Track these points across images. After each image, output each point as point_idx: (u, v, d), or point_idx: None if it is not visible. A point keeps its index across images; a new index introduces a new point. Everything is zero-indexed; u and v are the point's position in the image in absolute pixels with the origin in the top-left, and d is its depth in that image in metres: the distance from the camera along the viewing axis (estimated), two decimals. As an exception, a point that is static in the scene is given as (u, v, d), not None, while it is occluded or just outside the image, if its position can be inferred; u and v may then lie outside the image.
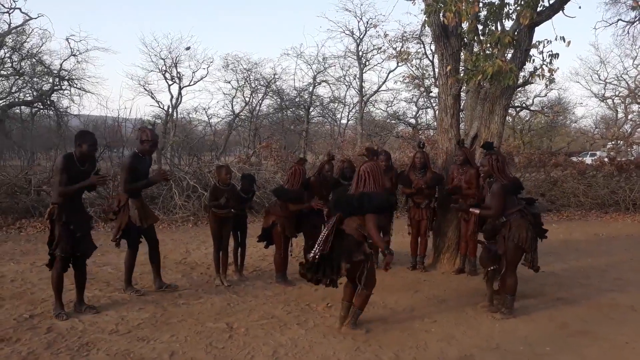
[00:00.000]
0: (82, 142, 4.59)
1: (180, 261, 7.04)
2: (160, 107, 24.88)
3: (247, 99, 25.20)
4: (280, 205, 5.84)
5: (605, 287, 6.08)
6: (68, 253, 4.58)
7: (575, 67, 39.54)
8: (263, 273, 6.46)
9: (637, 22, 17.59)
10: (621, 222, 11.91)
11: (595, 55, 48.11)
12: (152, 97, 25.18)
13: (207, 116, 25.56)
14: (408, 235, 6.86)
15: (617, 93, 27.90)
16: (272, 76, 24.66)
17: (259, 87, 25.03)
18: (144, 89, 24.81)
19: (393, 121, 26.75)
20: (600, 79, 28.26)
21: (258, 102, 25.55)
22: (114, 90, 60.29)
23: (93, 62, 34.01)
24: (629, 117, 27.62)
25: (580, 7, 6.41)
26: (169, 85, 24.59)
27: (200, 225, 9.93)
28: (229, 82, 24.91)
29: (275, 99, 26.11)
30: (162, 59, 24.06)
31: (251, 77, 24.76)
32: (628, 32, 18.22)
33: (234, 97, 25.18)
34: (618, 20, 17.72)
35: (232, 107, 25.29)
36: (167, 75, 24.36)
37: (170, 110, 24.11)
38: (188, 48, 24.12)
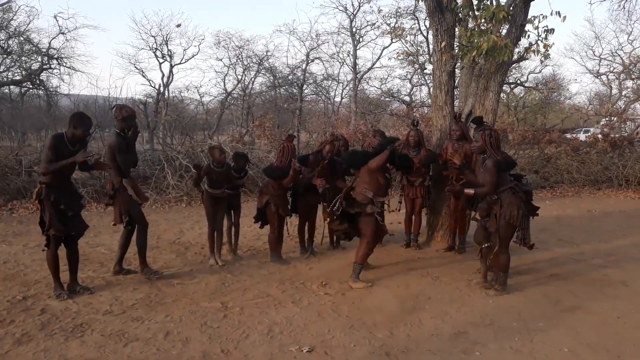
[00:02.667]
0: (78, 126, 4.51)
1: (174, 241, 7.02)
2: (151, 85, 24.55)
3: (239, 77, 24.88)
4: (273, 184, 5.80)
5: (598, 263, 6.13)
6: (62, 232, 4.54)
7: (570, 43, 39.43)
8: (258, 252, 6.46)
9: (633, -3, 17.42)
10: (614, 198, 11.98)
11: (590, 30, 48.12)
12: (143, 76, 24.78)
13: (199, 95, 25.28)
14: (397, 211, 6.84)
15: (611, 69, 27.81)
16: (265, 53, 24.34)
17: (251, 64, 24.70)
18: (135, 67, 24.43)
19: (387, 99, 26.56)
20: (595, 55, 28.13)
21: (250, 80, 25.25)
22: (104, 69, 59.57)
23: (82, 40, 33.35)
24: (623, 93, 27.58)
25: (576, -19, 6.31)
26: (160, 64, 24.22)
27: (194, 205, 9.89)
28: (221, 60, 24.56)
29: (268, 77, 25.79)
30: (152, 36, 23.65)
31: (243, 54, 24.42)
32: (623, 7, 17.95)
33: (226, 75, 24.86)
34: (614, -6, 17.55)
35: (225, 86, 25.00)
36: (158, 53, 23.97)
37: (161, 88, 23.79)
38: (179, 25, 23.79)
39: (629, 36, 28.15)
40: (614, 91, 28.69)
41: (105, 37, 63.15)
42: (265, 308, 4.49)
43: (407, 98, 26.30)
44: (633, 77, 25.47)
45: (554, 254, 6.52)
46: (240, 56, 24.35)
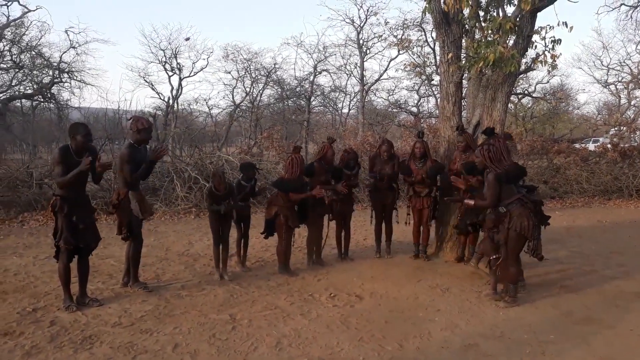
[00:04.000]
0: (75, 134, 4.59)
1: (183, 253, 7.03)
2: (160, 98, 24.83)
3: (247, 89, 25.09)
4: (282, 195, 5.81)
5: (609, 274, 6.06)
6: (71, 244, 4.57)
7: (577, 53, 39.36)
8: (266, 264, 6.45)
9: (641, 7, 17.38)
10: (624, 208, 11.88)
11: (597, 40, 47.93)
12: (153, 89, 25.16)
13: (208, 107, 25.48)
14: (405, 224, 6.83)
15: (620, 79, 27.72)
16: (273, 66, 24.54)
17: (259, 77, 24.91)
18: (144, 80, 24.75)
19: (394, 110, 26.60)
20: (602, 65, 28.05)
21: (259, 92, 25.44)
22: (114, 82, 60.11)
23: (92, 54, 33.97)
24: (632, 102, 27.46)
25: (583, -8, 6.32)
26: (169, 77, 24.53)
27: (202, 216, 9.91)
28: (229, 73, 24.80)
29: (276, 89, 25.99)
30: (161, 50, 23.97)
31: (251, 67, 24.64)
32: (631, 16, 18.02)
33: (234, 87, 25.08)
34: (621, 4, 17.50)
35: (233, 98, 25.20)
36: (167, 66, 24.29)
37: (170, 101, 24.06)
38: (188, 39, 24.05)
39: (637, 46, 28.00)
40: (623, 101, 28.56)
41: (115, 50, 63.96)
42: (273, 320, 4.47)
43: (414, 109, 26.33)
44: (642, 86, 25.34)
45: (564, 265, 6.46)
46: (248, 69, 24.56)
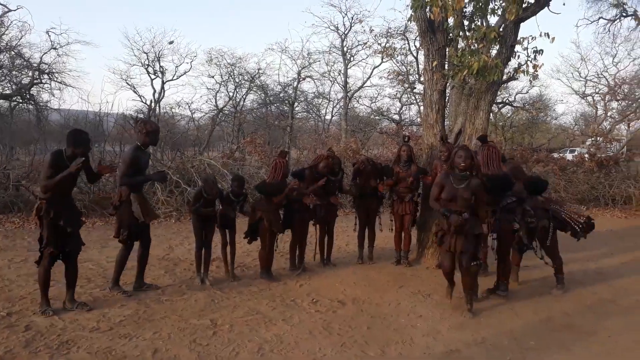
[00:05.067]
0: (77, 145, 4.47)
1: (163, 257, 6.94)
2: (142, 101, 24.60)
3: (230, 94, 25.01)
4: (266, 200, 5.77)
5: (587, 281, 6.15)
6: (58, 249, 4.48)
7: (556, 64, 40.07)
8: (247, 268, 6.40)
9: (618, 20, 17.81)
10: (601, 217, 12.06)
11: (576, 52, 48.82)
12: (135, 92, 24.77)
13: (190, 111, 25.29)
14: (390, 231, 6.85)
15: (597, 90, 28.24)
16: (257, 71, 24.52)
17: (242, 82, 24.86)
18: (126, 83, 24.50)
19: (377, 117, 26.78)
20: (580, 77, 28.58)
21: (242, 97, 25.39)
22: (95, 85, 59.38)
23: (74, 56, 33.47)
24: (609, 114, 28.01)
25: (564, 4, 6.46)
26: (152, 80, 24.33)
27: (184, 220, 9.81)
28: (213, 77, 24.70)
29: (260, 94, 25.97)
30: (144, 52, 23.78)
31: (235, 71, 24.58)
32: (609, 30, 18.43)
33: (217, 91, 24.99)
34: (599, 18, 17.92)
35: (216, 102, 25.10)
36: (150, 69, 24.10)
37: (152, 104, 23.82)
38: (171, 42, 23.89)
39: (613, 58, 28.67)
40: (600, 112, 29.13)
41: (97, 52, 63.09)
42: (255, 325, 4.43)
43: (396, 117, 26.52)
44: (618, 98, 25.89)
45: (543, 272, 6.52)
46: (232, 73, 24.50)
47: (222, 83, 24.76)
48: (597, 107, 29.64)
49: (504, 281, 5.38)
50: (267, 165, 12.59)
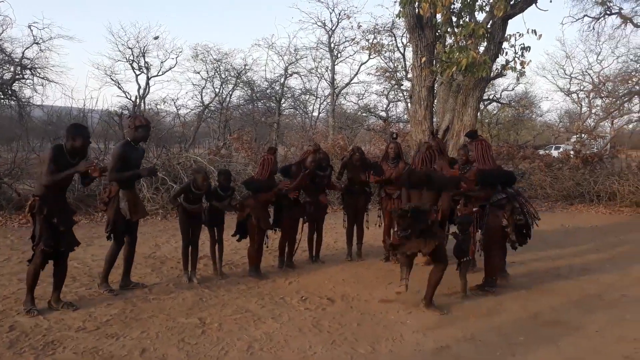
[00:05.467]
0: (76, 136, 4.41)
1: (150, 255, 6.86)
2: (127, 97, 24.35)
3: (217, 90, 24.87)
4: (255, 197, 5.73)
5: (573, 276, 6.20)
6: (52, 247, 4.39)
7: (542, 61, 40.41)
8: (236, 266, 6.35)
9: (602, 19, 18.00)
10: (586, 213, 12.21)
11: (561, 50, 49.41)
12: (119, 88, 24.57)
13: (176, 107, 25.10)
14: (376, 226, 6.84)
15: (581, 88, 28.59)
16: (243, 67, 24.40)
17: (229, 77, 24.72)
18: (111, 79, 24.26)
19: (364, 114, 26.80)
20: (565, 74, 28.91)
21: (228, 93, 25.25)
22: (79, 80, 58.66)
23: (57, 51, 33.01)
24: (593, 111, 28.35)
25: (551, 1, 6.49)
26: (137, 75, 24.10)
27: (170, 218, 9.72)
28: (199, 73, 24.53)
29: (246, 90, 25.84)
30: (129, 48, 23.52)
31: (221, 67, 24.44)
32: (593, 28, 18.62)
33: (203, 87, 24.84)
34: (584, 16, 18.09)
35: (202, 98, 24.95)
36: (135, 65, 23.84)
37: (137, 100, 23.60)
38: (156, 37, 23.65)
39: (597, 56, 29.09)
40: (584, 109, 29.48)
41: (81, 48, 62.34)
42: (244, 324, 4.39)
43: (383, 113, 26.57)
44: (602, 95, 26.20)
45: (530, 268, 6.59)
46: (218, 69, 24.36)
47: (208, 79, 24.63)
48: (581, 105, 30.02)
49: (492, 277, 5.40)
50: (255, 162, 12.53)
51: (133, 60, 23.72)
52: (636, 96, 18.91)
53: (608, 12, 17.59)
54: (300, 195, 6.29)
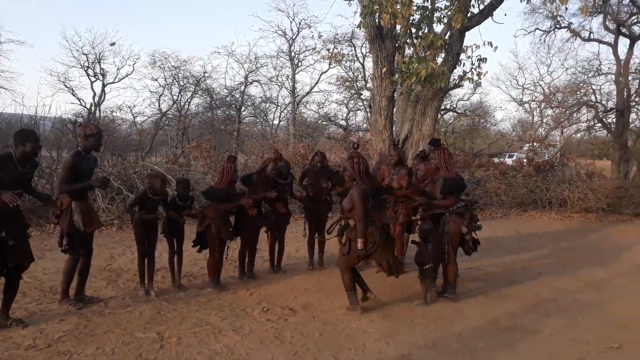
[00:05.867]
0: (25, 141, 4.22)
1: (105, 268, 6.65)
2: (82, 105, 23.62)
3: (175, 97, 24.46)
4: (214, 206, 5.62)
5: (528, 282, 6.37)
6: None
7: (496, 72, 41.79)
8: (195, 278, 6.22)
9: (552, 32, 18.74)
10: (539, 219, 12.60)
11: (514, 61, 51.08)
12: (73, 94, 23.73)
13: (133, 115, 24.50)
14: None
15: (533, 98, 29.58)
16: (202, 74, 24.11)
17: (187, 85, 24.38)
18: (64, 85, 23.45)
19: (324, 122, 26.92)
20: (518, 84, 29.86)
21: (187, 100, 24.88)
22: (30, 87, 56.48)
23: (7, 56, 31.59)
24: (544, 120, 29.40)
25: (505, 15, 6.76)
26: (92, 82, 23.41)
27: (126, 229, 9.45)
28: (156, 80, 24.07)
29: (205, 98, 25.53)
30: (84, 54, 22.86)
31: (180, 74, 24.07)
32: (544, 40, 19.38)
33: (161, 95, 24.37)
34: (536, 29, 18.76)
35: (159, 106, 24.47)
36: (90, 71, 23.19)
37: (92, 108, 22.94)
38: (113, 44, 23.08)
39: (548, 68, 30.22)
40: (536, 119, 30.53)
41: (32, 53, 60.02)
42: (204, 337, 4.30)
43: (343, 122, 26.75)
44: (552, 105, 27.21)
45: (487, 274, 6.73)
46: (176, 76, 23.99)
47: (166, 86, 24.20)
48: (533, 114, 31.08)
49: (452, 283, 5.47)
50: (214, 170, 12.36)
51: (88, 67, 23.07)
52: (584, 106, 19.74)
53: (558, 26, 18.35)
54: (262, 205, 6.24)
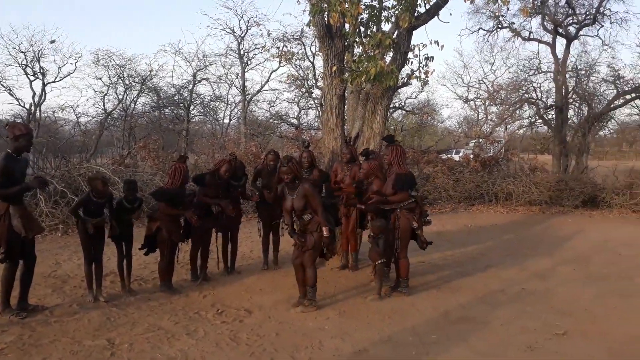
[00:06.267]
0: None
1: (50, 274, 6.37)
2: (20, 105, 22.49)
3: (120, 97, 23.69)
4: (165, 209, 5.47)
5: (478, 274, 6.57)
6: None
7: (442, 71, 42.80)
8: (145, 282, 6.06)
9: (495, 32, 19.37)
10: (486, 213, 13.02)
11: (459, 60, 52.49)
12: (11, 94, 22.59)
13: (76, 115, 23.54)
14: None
15: (478, 96, 30.52)
16: (148, 73, 23.45)
17: (133, 84, 23.65)
18: (1, 85, 22.27)
19: (276, 121, 26.79)
20: (463, 83, 30.78)
21: (133, 100, 24.15)
22: (-39, 86, 53.31)
23: None
24: (489, 117, 30.34)
25: (451, 14, 6.88)
26: (31, 82, 22.33)
27: (71, 233, 9.08)
28: (100, 79, 23.20)
29: (152, 97, 24.87)
30: (22, 52, 21.75)
31: (125, 73, 23.29)
32: (487, 40, 19.97)
33: (105, 94, 23.52)
34: (479, 29, 19.31)
35: (104, 106, 23.62)
36: (29, 70, 22.10)
37: (32, 108, 21.90)
38: (53, 41, 22.04)
39: (492, 66, 31.22)
40: (481, 116, 31.50)
41: (-38, 50, 56.71)
42: (157, 342, 4.19)
43: (295, 121, 26.72)
44: (496, 103, 28.16)
45: (439, 267, 6.90)
46: (121, 75, 23.23)
47: (111, 85, 23.38)
48: (478, 111, 32.05)
49: (405, 278, 5.56)
50: (163, 171, 12.07)
51: (26, 65, 21.97)
52: (526, 103, 20.51)
53: (500, 26, 18.96)
54: (213, 205, 6.14)
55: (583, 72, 19.14)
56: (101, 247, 5.38)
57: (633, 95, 17.68)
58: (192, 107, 24.99)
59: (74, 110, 23.29)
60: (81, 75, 31.33)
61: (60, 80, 22.81)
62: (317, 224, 4.91)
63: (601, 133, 27.48)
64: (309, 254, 5.02)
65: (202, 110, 26.69)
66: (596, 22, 17.61)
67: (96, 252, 5.31)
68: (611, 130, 28.32)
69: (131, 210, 5.52)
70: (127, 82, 23.44)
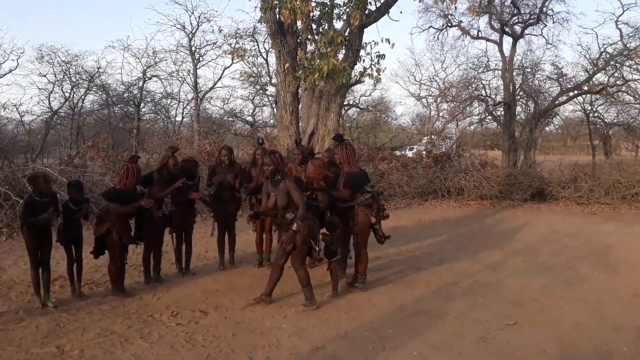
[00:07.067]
0: None
1: (-7, 281, 6.07)
2: (-43, 103, 21.36)
3: (67, 95, 22.84)
4: (116, 209, 5.30)
5: (432, 267, 6.71)
6: None
7: (395, 68, 43.44)
8: (97, 285, 5.87)
9: (445, 30, 19.80)
10: (439, 207, 13.32)
11: (411, 58, 53.27)
12: (-54, 92, 21.48)
13: (19, 113, 22.55)
14: (253, 232, 6.80)
15: (430, 93, 31.12)
16: (96, 70, 22.71)
17: (80, 81, 22.86)
18: None
19: (230, 119, 26.50)
20: (416, 80, 31.29)
21: (80, 97, 23.35)
22: None
23: None
24: (440, 114, 31.02)
25: (401, 12, 7.02)
26: (-32, 79, 21.25)
27: (17, 237, 8.69)
28: (45, 76, 22.32)
29: (101, 95, 24.12)
30: (-44, 47, 20.66)
31: (71, 70, 22.48)
32: (438, 38, 20.39)
33: (51, 92, 22.63)
34: (429, 27, 19.71)
35: (50, 104, 22.72)
36: (-34, 66, 21.01)
37: (-30, 106, 20.83)
38: (-9, 36, 21.03)
39: (442, 64, 32.00)
40: (433, 112, 32.14)
41: None
42: (109, 347, 4.07)
43: (250, 118, 26.51)
44: (447, 100, 28.81)
45: (394, 262, 7.00)
46: (67, 72, 22.39)
47: (57, 82, 22.51)
48: (430, 108, 32.69)
49: (362, 274, 5.62)
50: (113, 171, 11.73)
51: (-37, 62, 20.88)
52: (475, 100, 21.09)
53: (449, 25, 19.41)
54: (165, 205, 6.01)
55: (529, 70, 19.86)
56: (48, 251, 5.16)
57: (575, 92, 18.48)
58: (142, 104, 24.40)
59: (17, 109, 22.29)
60: (24, 72, 30.02)
61: (1, 77, 21.81)
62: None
63: (547, 129, 28.57)
64: (295, 255, 4.98)
65: (154, 108, 26.08)
66: (540, 22, 18.27)
67: (43, 255, 5.09)
68: (556, 126, 29.56)
69: (77, 212, 5.33)
70: (73, 80, 22.66)
